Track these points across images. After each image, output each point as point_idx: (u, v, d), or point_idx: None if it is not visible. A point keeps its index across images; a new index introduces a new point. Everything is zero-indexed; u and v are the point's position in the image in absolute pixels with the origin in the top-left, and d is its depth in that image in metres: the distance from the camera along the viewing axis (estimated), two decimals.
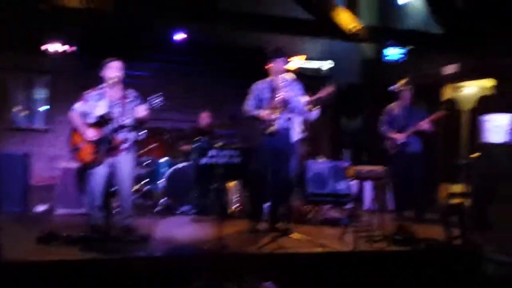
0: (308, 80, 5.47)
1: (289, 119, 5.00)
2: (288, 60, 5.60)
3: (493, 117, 5.30)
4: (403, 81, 6.75)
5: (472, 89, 9.37)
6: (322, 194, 6.40)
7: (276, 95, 5.26)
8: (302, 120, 6.01)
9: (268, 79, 5.52)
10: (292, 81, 5.53)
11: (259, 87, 5.49)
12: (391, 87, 5.66)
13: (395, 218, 6.14)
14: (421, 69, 9.08)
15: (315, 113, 5.80)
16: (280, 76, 5.37)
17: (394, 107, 6.84)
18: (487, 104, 8.13)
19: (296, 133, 5.50)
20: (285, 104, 5.13)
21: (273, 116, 5.21)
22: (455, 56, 8.58)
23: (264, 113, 5.26)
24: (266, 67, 5.56)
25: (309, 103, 5.85)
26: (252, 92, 5.52)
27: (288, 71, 5.47)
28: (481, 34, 7.72)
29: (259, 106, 5.41)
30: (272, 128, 5.21)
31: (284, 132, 5.13)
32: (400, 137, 6.50)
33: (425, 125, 6.48)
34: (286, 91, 5.22)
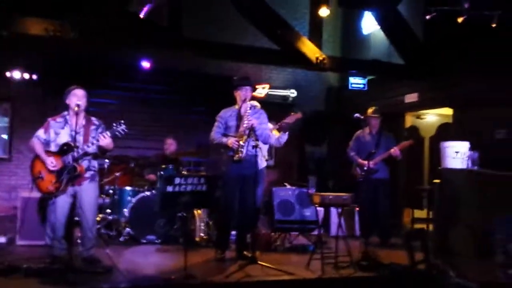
0: (274, 107, 5.54)
1: (256, 146, 5.03)
2: (254, 88, 5.67)
3: (453, 144, 5.46)
4: (371, 109, 6.90)
5: (432, 117, 9.68)
6: (289, 221, 6.39)
7: (243, 123, 5.30)
8: (268, 147, 6.06)
9: (234, 106, 5.57)
10: (258, 109, 5.61)
11: (226, 114, 5.53)
12: (356, 115, 5.79)
13: (361, 244, 6.18)
14: (384, 98, 9.34)
15: (282, 139, 5.87)
16: (246, 103, 5.41)
17: (363, 134, 6.98)
18: (447, 132, 8.40)
19: (263, 160, 5.53)
20: (252, 132, 5.16)
21: (240, 143, 5.23)
22: (415, 86, 8.86)
23: (230, 140, 5.28)
24: (234, 94, 5.61)
25: (277, 129, 5.94)
26: (218, 120, 5.55)
27: (253, 99, 5.53)
28: (439, 65, 8.02)
29: (225, 134, 5.44)
30: (238, 156, 5.23)
31: (251, 159, 5.15)
32: (366, 163, 6.60)
33: (394, 152, 6.61)
34: (252, 119, 5.27)
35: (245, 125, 5.24)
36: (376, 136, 6.83)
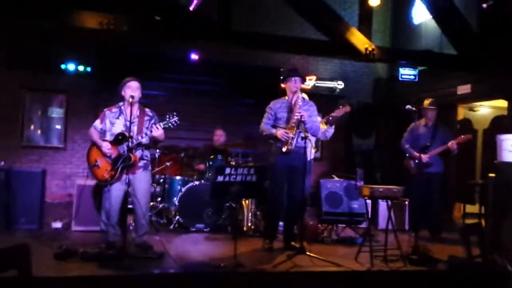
0: (320, 99, 5.52)
1: (305, 138, 5.03)
2: (304, 79, 5.65)
3: (510, 136, 5.27)
4: (428, 101, 6.74)
5: (486, 109, 9.37)
6: (336, 213, 6.35)
7: (293, 115, 5.30)
8: (315, 139, 6.04)
9: (284, 98, 5.57)
10: (308, 101, 5.59)
11: (276, 106, 5.54)
12: (408, 106, 5.66)
13: (410, 238, 6.09)
14: (435, 89, 9.11)
15: (329, 133, 5.85)
16: (296, 95, 5.41)
17: (418, 126, 6.73)
18: (501, 124, 8.12)
19: (312, 152, 5.53)
20: (301, 124, 5.16)
21: (289, 135, 5.25)
22: (468, 77, 8.60)
23: (280, 132, 5.30)
24: (282, 86, 5.62)
25: (324, 122, 5.91)
26: (268, 111, 5.57)
27: (303, 90, 5.52)
28: (494, 55, 7.75)
29: (275, 125, 5.46)
30: (288, 147, 5.24)
31: (300, 151, 5.15)
32: (424, 156, 6.46)
33: (452, 146, 6.42)
34: (302, 111, 5.26)
35: (295, 117, 5.23)
36: (432, 129, 6.67)
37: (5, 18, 7.14)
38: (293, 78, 5.48)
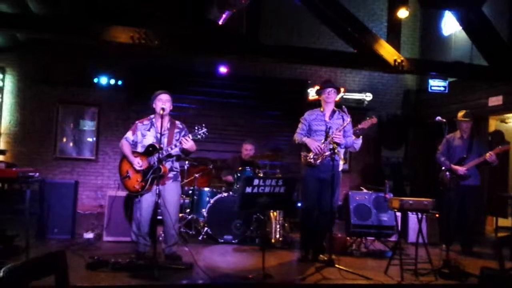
0: (349, 111, 5.50)
1: (333, 149, 5.04)
2: (339, 90, 5.65)
3: None
4: (462, 112, 6.65)
5: None
6: (365, 225, 6.30)
7: (326, 127, 5.31)
8: (344, 151, 6.03)
9: (319, 109, 5.58)
10: (342, 113, 5.57)
11: (310, 117, 5.55)
12: (438, 118, 5.59)
13: (441, 251, 6.00)
14: (466, 101, 8.99)
15: (358, 143, 5.83)
16: (330, 107, 5.42)
17: (453, 138, 6.67)
18: None
19: (340, 163, 5.52)
20: (339, 144, 5.19)
21: (322, 147, 5.25)
22: (500, 88, 8.46)
23: (314, 144, 5.31)
24: (317, 98, 5.65)
25: (352, 133, 5.90)
26: (302, 121, 5.60)
27: (337, 102, 5.52)
28: None
29: (308, 136, 5.47)
30: (319, 159, 5.25)
31: (329, 163, 5.15)
32: (461, 169, 6.37)
33: (490, 157, 6.32)
34: (336, 123, 5.28)
35: (328, 130, 5.25)
36: (468, 141, 6.57)
37: (41, 35, 7.38)
38: (327, 90, 5.49)
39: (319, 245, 5.51)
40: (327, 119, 5.42)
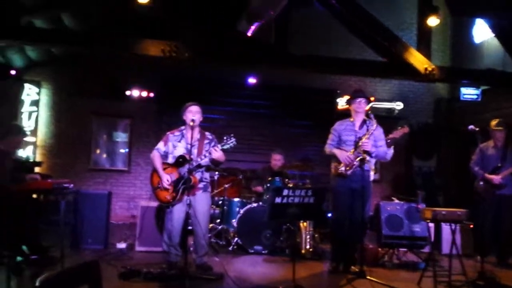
0: (379, 121, 5.43)
1: (363, 159, 5.00)
2: (369, 100, 5.59)
3: None
4: (495, 121, 6.51)
5: None
6: (397, 236, 6.21)
7: (357, 138, 5.27)
8: (374, 161, 5.98)
9: (349, 119, 5.53)
10: (373, 123, 5.51)
11: (340, 127, 5.51)
12: (471, 126, 5.49)
13: (476, 263, 5.86)
14: (499, 109, 8.80)
15: (389, 153, 5.76)
16: (360, 117, 5.40)
17: (487, 147, 6.52)
18: None
19: (371, 173, 5.46)
20: (369, 152, 5.15)
21: (352, 158, 5.22)
22: None
23: (344, 154, 5.28)
24: (347, 107, 5.61)
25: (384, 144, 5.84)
26: (333, 132, 5.56)
27: (368, 112, 5.45)
28: None
29: (339, 147, 5.44)
30: (350, 170, 5.22)
31: (359, 173, 5.11)
32: (496, 178, 6.24)
33: None
34: (367, 134, 5.25)
35: (359, 142, 5.21)
36: (502, 150, 6.42)
37: (75, 48, 7.61)
38: (357, 99, 5.43)
39: (350, 257, 5.44)
40: (357, 129, 5.38)
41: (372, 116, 5.38)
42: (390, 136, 5.79)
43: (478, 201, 6.32)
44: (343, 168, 5.24)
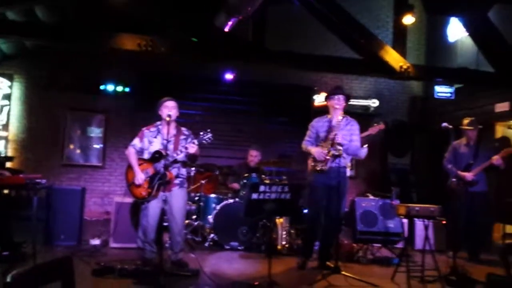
0: (354, 118, 5.48)
1: (338, 156, 5.04)
2: (348, 97, 5.61)
3: None
4: (467, 120, 6.62)
5: None
6: (372, 232, 6.29)
7: (332, 134, 5.29)
8: (351, 158, 6.03)
9: (327, 116, 5.55)
10: (350, 119, 5.55)
11: (318, 124, 5.54)
12: (444, 124, 5.58)
13: (448, 258, 5.97)
14: (472, 107, 8.97)
15: (364, 151, 5.81)
16: (338, 114, 5.41)
17: (459, 145, 6.66)
18: None
19: (347, 170, 5.50)
20: (340, 144, 5.16)
21: (327, 155, 5.23)
22: (506, 94, 8.44)
23: (319, 151, 5.30)
24: (325, 104, 5.62)
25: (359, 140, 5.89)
26: (310, 129, 5.58)
27: (345, 109, 5.48)
28: None
29: (316, 143, 5.46)
30: (325, 166, 5.24)
31: (337, 170, 5.15)
32: (469, 175, 6.35)
33: (497, 160, 6.29)
34: (342, 130, 5.28)
35: (334, 137, 5.22)
36: (474, 147, 6.54)
37: (49, 43, 7.45)
38: (336, 96, 5.45)
39: (326, 252, 5.49)
40: (333, 125, 5.40)
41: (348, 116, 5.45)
42: (367, 132, 5.86)
43: (451, 198, 6.43)
44: (320, 165, 5.26)
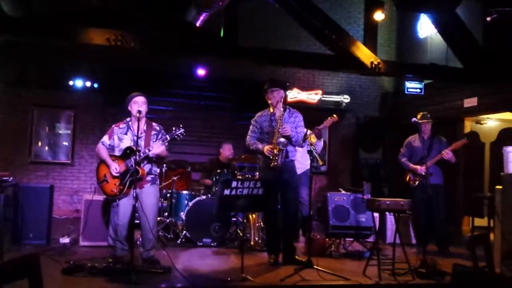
0: (327, 113, 5.52)
1: (289, 150, 5.08)
2: (286, 89, 5.58)
3: None
4: (420, 114, 6.74)
5: (493, 122, 9.36)
6: (343, 226, 6.34)
7: (276, 128, 5.26)
8: (321, 152, 6.07)
9: (268, 110, 5.51)
10: (293, 111, 5.53)
11: (261, 119, 5.50)
12: (414, 119, 5.68)
13: (418, 252, 6.06)
14: (442, 103, 9.13)
15: (318, 145, 5.84)
16: (280, 106, 5.38)
17: (414, 139, 6.86)
18: (508, 137, 8.10)
19: (303, 164, 5.51)
20: (288, 136, 5.16)
21: (274, 152, 5.20)
22: (474, 90, 8.61)
23: (266, 148, 5.27)
24: (267, 98, 5.54)
25: (313, 133, 5.93)
26: (253, 124, 5.54)
27: (309, 104, 5.51)
28: (499, 69, 7.75)
29: (261, 139, 5.44)
30: (274, 163, 5.21)
31: (288, 164, 5.17)
32: (420, 168, 6.47)
33: (447, 154, 6.44)
34: (287, 123, 5.27)
35: (277, 131, 5.21)
36: (428, 141, 6.69)
37: (15, 37, 7.25)
38: (274, 90, 5.42)
39: (289, 246, 5.48)
40: (277, 118, 5.35)
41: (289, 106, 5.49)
42: (321, 125, 5.95)
43: (410, 191, 6.57)
44: (269, 162, 5.23)
